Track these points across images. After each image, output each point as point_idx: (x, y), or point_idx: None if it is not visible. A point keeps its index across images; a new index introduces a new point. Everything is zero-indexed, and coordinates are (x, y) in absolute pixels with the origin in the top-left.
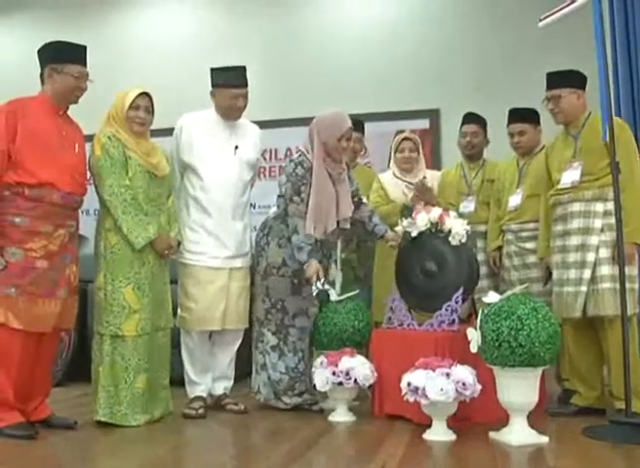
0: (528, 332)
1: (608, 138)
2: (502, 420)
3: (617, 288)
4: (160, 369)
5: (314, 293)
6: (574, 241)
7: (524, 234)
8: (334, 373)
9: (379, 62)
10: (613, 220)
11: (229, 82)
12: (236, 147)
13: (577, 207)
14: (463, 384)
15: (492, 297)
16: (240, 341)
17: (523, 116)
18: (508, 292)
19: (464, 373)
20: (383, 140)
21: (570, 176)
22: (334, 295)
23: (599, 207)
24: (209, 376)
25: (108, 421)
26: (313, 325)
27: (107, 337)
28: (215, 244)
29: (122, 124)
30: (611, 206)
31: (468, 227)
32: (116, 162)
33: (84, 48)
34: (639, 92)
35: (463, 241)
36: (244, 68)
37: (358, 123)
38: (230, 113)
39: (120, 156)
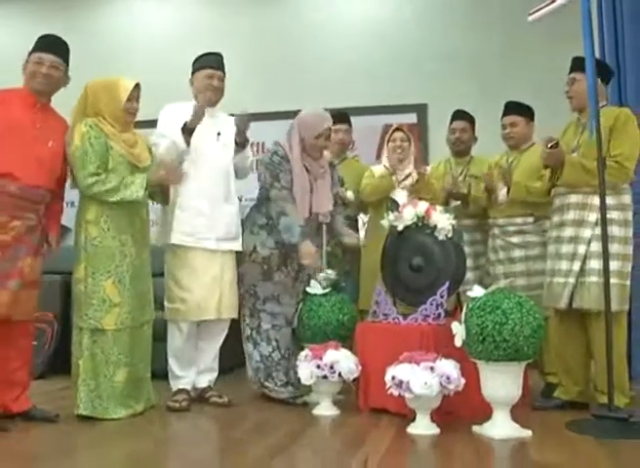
0: (512, 327)
1: (595, 135)
2: (486, 414)
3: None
4: (142, 362)
5: (322, 283)
6: (568, 232)
7: (510, 228)
8: (318, 367)
9: (366, 56)
10: (608, 214)
11: (206, 63)
12: (218, 133)
13: (574, 199)
14: (448, 378)
15: (476, 292)
16: (225, 334)
17: (517, 109)
18: (493, 287)
19: (449, 367)
20: (371, 134)
21: None
22: (318, 288)
23: (595, 200)
24: (193, 370)
25: (90, 415)
26: (298, 318)
27: (87, 331)
28: (206, 225)
29: (112, 115)
30: (608, 200)
31: (454, 222)
32: (97, 151)
33: (54, 38)
34: (625, 86)
35: (450, 235)
36: (220, 54)
37: (343, 115)
38: (207, 93)
39: (101, 147)
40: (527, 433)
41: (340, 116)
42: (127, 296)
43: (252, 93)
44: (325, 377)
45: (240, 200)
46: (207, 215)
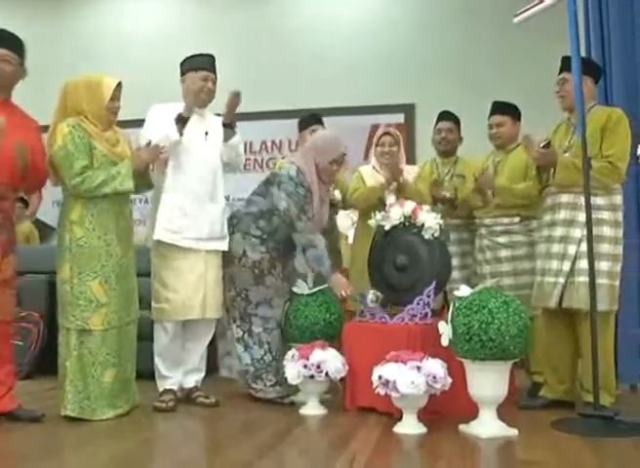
0: (498, 326)
1: (580, 135)
2: (472, 413)
3: (596, 282)
4: (129, 362)
5: (372, 302)
6: (559, 232)
7: (497, 228)
8: (305, 366)
9: (354, 56)
10: (599, 215)
11: (199, 65)
12: (206, 133)
13: (565, 198)
14: (434, 377)
15: (463, 291)
16: (212, 334)
17: (503, 108)
18: (480, 286)
19: (435, 367)
20: (358, 134)
21: None
22: (305, 288)
23: None
24: (180, 370)
25: (76, 416)
26: (284, 318)
27: (74, 332)
28: (190, 224)
29: (95, 114)
30: (599, 200)
31: (441, 221)
32: (82, 151)
33: (5, 33)
34: (611, 87)
35: (436, 235)
36: (213, 56)
37: (316, 116)
38: (200, 95)
39: (85, 146)
40: (513, 432)
41: (316, 117)
42: (113, 296)
43: (244, 92)
44: (312, 377)
45: (227, 199)
46: (191, 214)
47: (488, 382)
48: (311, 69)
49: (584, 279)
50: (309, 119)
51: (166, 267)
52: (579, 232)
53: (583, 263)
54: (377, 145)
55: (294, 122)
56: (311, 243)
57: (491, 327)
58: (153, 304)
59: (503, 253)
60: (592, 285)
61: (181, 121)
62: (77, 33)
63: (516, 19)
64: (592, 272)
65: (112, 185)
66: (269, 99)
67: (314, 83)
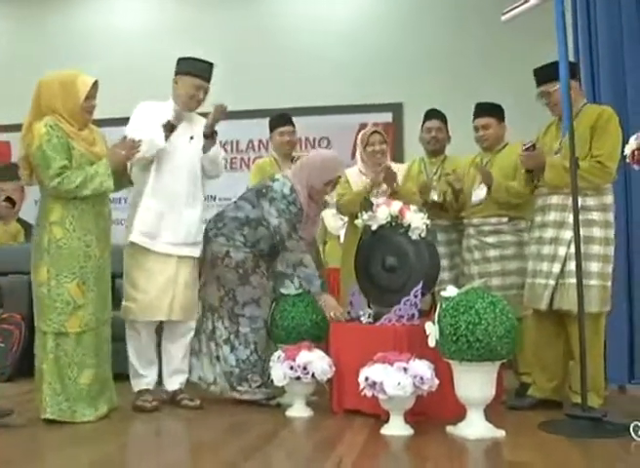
0: (485, 327)
1: (568, 136)
2: (460, 414)
3: (587, 284)
4: (106, 362)
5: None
6: (549, 234)
7: (485, 228)
8: (291, 368)
9: (342, 55)
10: (589, 216)
11: (197, 72)
12: (191, 137)
13: (555, 199)
14: (421, 379)
15: (450, 291)
16: (193, 333)
17: (488, 110)
18: (467, 287)
19: (422, 368)
20: (345, 133)
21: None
22: (292, 289)
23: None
24: (155, 369)
25: (56, 419)
26: (270, 318)
27: (51, 335)
28: (166, 229)
29: (69, 113)
30: (589, 201)
31: (428, 221)
32: (60, 151)
33: None
34: (599, 86)
35: (423, 235)
36: (212, 65)
37: (285, 116)
38: (190, 103)
39: (63, 146)
40: (501, 433)
41: (285, 118)
42: (91, 298)
43: (226, 91)
44: (298, 378)
45: (214, 199)
46: (169, 219)
47: (475, 383)
48: (298, 68)
49: (575, 280)
50: (278, 119)
51: (137, 268)
52: (569, 234)
53: (574, 265)
54: (366, 145)
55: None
56: (302, 262)
57: (478, 327)
58: (123, 302)
59: (492, 252)
60: (580, 286)
61: (170, 128)
62: (60, 31)
63: (504, 18)
64: (579, 274)
65: (92, 186)
66: (256, 98)
67: (301, 81)
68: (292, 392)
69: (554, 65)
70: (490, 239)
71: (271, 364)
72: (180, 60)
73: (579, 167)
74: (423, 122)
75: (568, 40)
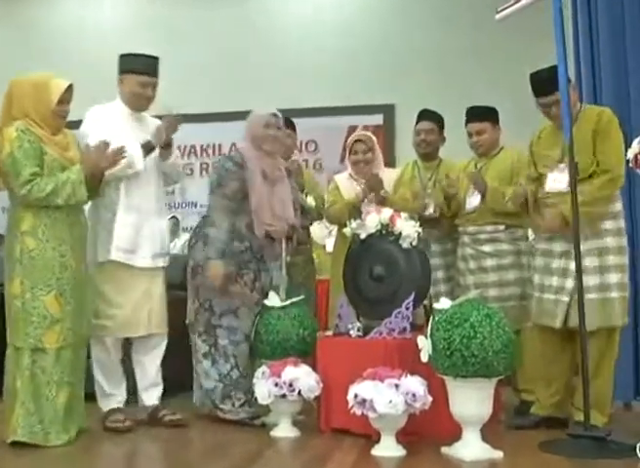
0: (481, 341)
1: (568, 140)
2: (455, 434)
3: (605, 297)
4: (81, 381)
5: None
6: (558, 247)
7: (481, 236)
8: (276, 385)
9: (330, 54)
10: (601, 225)
11: (140, 68)
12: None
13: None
14: (413, 396)
15: (443, 303)
16: (165, 344)
17: (481, 114)
18: (461, 298)
19: (415, 384)
20: (335, 136)
21: (555, 179)
22: (277, 301)
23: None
24: (124, 387)
25: (28, 441)
26: (254, 332)
27: (26, 350)
28: (144, 242)
29: (42, 118)
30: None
31: (420, 229)
32: (31, 156)
33: None
34: (601, 87)
35: (415, 243)
36: (157, 59)
37: (287, 120)
38: (137, 102)
39: (36, 151)
40: (498, 454)
41: (285, 121)
42: (68, 311)
43: (209, 92)
44: (284, 396)
45: (195, 206)
46: (144, 232)
47: (471, 401)
48: (286, 68)
49: (593, 296)
50: None
51: (110, 283)
52: (581, 246)
53: (590, 279)
54: (350, 153)
55: None
56: (214, 222)
57: (473, 341)
58: (93, 321)
59: (489, 262)
60: (580, 300)
61: (149, 149)
62: (32, 29)
63: (498, 16)
64: (581, 290)
65: (64, 194)
66: (240, 100)
67: (288, 82)
68: (277, 411)
69: (551, 73)
70: (486, 248)
71: (255, 380)
72: (122, 58)
73: (578, 173)
74: (416, 124)
75: (567, 39)
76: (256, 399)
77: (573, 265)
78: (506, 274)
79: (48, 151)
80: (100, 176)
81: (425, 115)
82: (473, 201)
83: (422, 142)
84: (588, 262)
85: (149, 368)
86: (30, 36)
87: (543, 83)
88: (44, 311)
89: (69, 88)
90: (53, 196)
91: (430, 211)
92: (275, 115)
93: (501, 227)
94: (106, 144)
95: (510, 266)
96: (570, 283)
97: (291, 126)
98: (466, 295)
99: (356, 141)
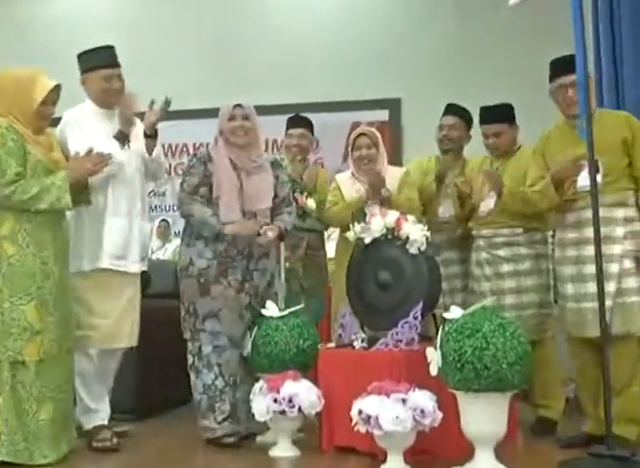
0: (494, 352)
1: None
2: (467, 453)
3: None
4: (69, 395)
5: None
6: (591, 251)
7: (497, 240)
8: (275, 401)
9: (332, 45)
10: (635, 227)
11: (98, 63)
12: (128, 141)
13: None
14: (422, 412)
15: (453, 312)
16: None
17: (498, 115)
18: (474, 307)
19: (423, 399)
20: (338, 133)
21: (584, 179)
22: (275, 310)
23: (620, 213)
24: (107, 402)
25: (12, 461)
26: (251, 344)
27: (6, 364)
28: (133, 247)
29: (24, 116)
30: (632, 212)
31: (428, 233)
32: (15, 156)
33: None
34: (623, 84)
35: (423, 248)
36: (112, 48)
37: (304, 119)
38: (106, 98)
39: (20, 150)
40: None
41: (296, 119)
42: (50, 322)
43: (208, 87)
44: (283, 413)
45: None
46: (132, 235)
47: (484, 417)
48: (286, 62)
49: (637, 298)
50: (289, 120)
51: (96, 292)
52: (617, 248)
53: (632, 282)
54: (352, 149)
55: (265, 119)
56: (189, 213)
57: (485, 353)
58: (76, 332)
59: (505, 267)
60: (601, 307)
61: (123, 138)
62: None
63: (511, 2)
64: (602, 294)
65: (48, 199)
66: (236, 95)
67: (289, 77)
68: (276, 428)
69: (572, 57)
70: (502, 252)
71: (252, 396)
72: (80, 58)
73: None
74: (441, 118)
75: (586, 30)
76: (250, 413)
77: (613, 268)
78: (525, 280)
79: (31, 151)
80: (84, 182)
81: (450, 109)
82: (489, 203)
83: (444, 138)
84: (627, 265)
85: (108, 382)
86: (25, 33)
87: (566, 63)
88: (24, 322)
89: (56, 88)
90: (36, 200)
91: (451, 213)
92: (240, 106)
93: (519, 230)
94: (90, 151)
95: (528, 272)
96: (611, 287)
97: (308, 125)
98: (480, 303)
99: (359, 136)
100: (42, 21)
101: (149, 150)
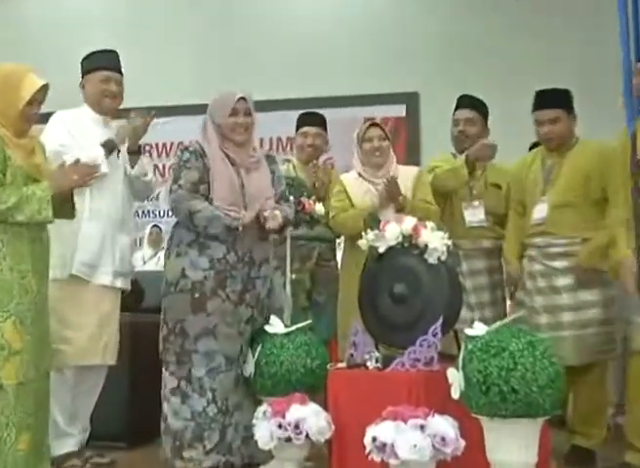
0: (522, 374)
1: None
2: None
3: None
4: (44, 422)
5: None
6: None
7: (552, 250)
8: (280, 426)
9: (347, 38)
10: None
11: (98, 64)
12: (118, 151)
13: None
14: (443, 439)
15: (477, 329)
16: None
17: (555, 99)
18: (497, 323)
19: (444, 426)
20: (350, 130)
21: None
22: (280, 326)
23: None
24: (80, 426)
25: None
26: (254, 364)
27: None
28: (106, 257)
29: (6, 117)
30: None
31: (449, 242)
32: None
33: None
34: None
35: (443, 258)
36: (115, 52)
37: (318, 116)
38: (103, 102)
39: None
40: None
41: (314, 118)
42: (28, 341)
43: (216, 81)
44: (289, 440)
45: None
46: (107, 245)
47: (511, 445)
48: (297, 54)
49: None
50: (301, 118)
51: (68, 302)
52: None
53: None
54: (362, 141)
55: (271, 115)
56: (190, 209)
57: (513, 374)
58: (53, 346)
59: (562, 281)
60: None
61: (111, 149)
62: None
63: None
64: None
65: (27, 211)
66: (251, 88)
67: (300, 69)
68: (281, 457)
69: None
70: (558, 263)
71: (255, 421)
72: (83, 61)
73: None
74: (454, 111)
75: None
76: (248, 442)
77: None
78: (585, 295)
79: (11, 156)
80: (68, 194)
81: (465, 102)
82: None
83: (461, 134)
84: None
85: (88, 408)
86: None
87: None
88: (1, 341)
89: (44, 88)
90: (15, 211)
91: (481, 217)
92: (243, 99)
93: (578, 240)
94: (78, 161)
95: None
96: None
97: (323, 123)
98: (510, 317)
99: (371, 126)
100: (42, 21)
101: (132, 164)
